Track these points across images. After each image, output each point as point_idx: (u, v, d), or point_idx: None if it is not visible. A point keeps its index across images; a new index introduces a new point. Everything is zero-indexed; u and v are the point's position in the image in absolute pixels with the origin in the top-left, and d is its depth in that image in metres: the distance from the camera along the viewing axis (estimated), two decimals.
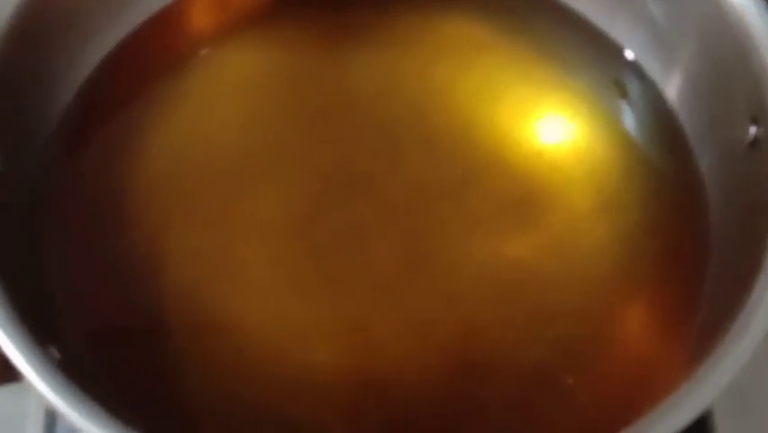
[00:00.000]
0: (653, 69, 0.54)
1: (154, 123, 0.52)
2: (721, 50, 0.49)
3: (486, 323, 0.48)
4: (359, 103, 0.54)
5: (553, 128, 0.54)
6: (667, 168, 0.52)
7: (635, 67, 0.54)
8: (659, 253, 0.50)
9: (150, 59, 0.55)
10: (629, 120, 0.54)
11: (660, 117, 0.53)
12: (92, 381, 0.40)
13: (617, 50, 0.55)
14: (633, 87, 0.54)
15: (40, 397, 0.39)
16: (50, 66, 0.51)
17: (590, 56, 0.55)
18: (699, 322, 0.47)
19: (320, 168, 0.52)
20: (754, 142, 0.46)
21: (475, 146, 0.52)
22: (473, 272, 0.49)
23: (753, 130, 0.46)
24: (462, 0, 0.57)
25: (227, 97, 0.54)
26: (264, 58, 0.56)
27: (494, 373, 0.47)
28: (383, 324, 0.48)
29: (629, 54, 0.55)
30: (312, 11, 0.56)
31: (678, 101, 0.53)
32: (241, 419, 0.46)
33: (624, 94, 0.54)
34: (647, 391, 0.45)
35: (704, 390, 0.39)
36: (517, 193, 0.51)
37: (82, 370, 0.41)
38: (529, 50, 0.55)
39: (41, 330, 0.40)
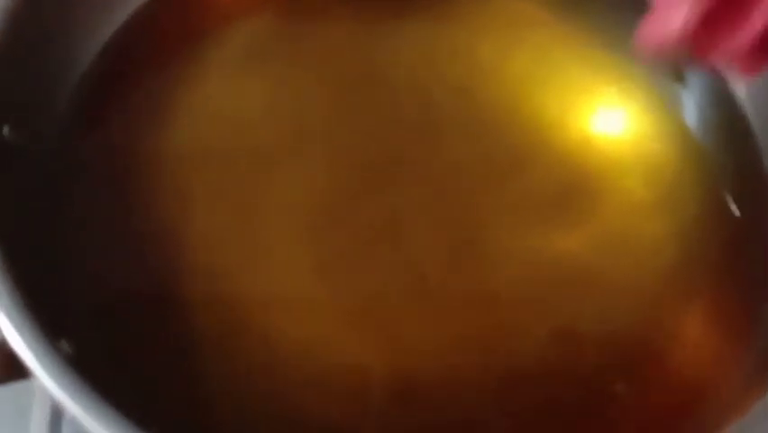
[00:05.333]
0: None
1: (177, 93, 0.50)
2: None
3: (529, 324, 0.45)
4: (397, 79, 0.51)
5: (605, 114, 0.51)
6: (729, 162, 0.49)
7: None
8: (718, 251, 0.47)
9: (172, 26, 0.52)
10: (690, 111, 0.51)
11: (725, 111, 0.50)
12: (104, 376, 0.38)
13: None
14: (697, 77, 0.51)
15: (45, 392, 0.36)
16: (68, 32, 0.48)
17: None
18: (762, 328, 0.44)
19: (353, 147, 0.49)
20: None
21: (522, 130, 0.50)
22: (517, 267, 0.46)
23: None
24: None
25: (255, 70, 0.51)
26: (295, 29, 0.52)
27: (535, 379, 0.44)
28: (416, 320, 0.45)
29: None
30: None
31: (747, 96, 0.50)
32: (263, 417, 0.43)
33: (685, 84, 0.51)
34: (700, 401, 0.43)
35: None
36: (565, 182, 0.48)
37: (94, 364, 0.38)
38: (585, 29, 0.52)
39: (52, 322, 0.38)
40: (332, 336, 0.45)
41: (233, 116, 0.50)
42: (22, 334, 0.36)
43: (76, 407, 0.35)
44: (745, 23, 0.34)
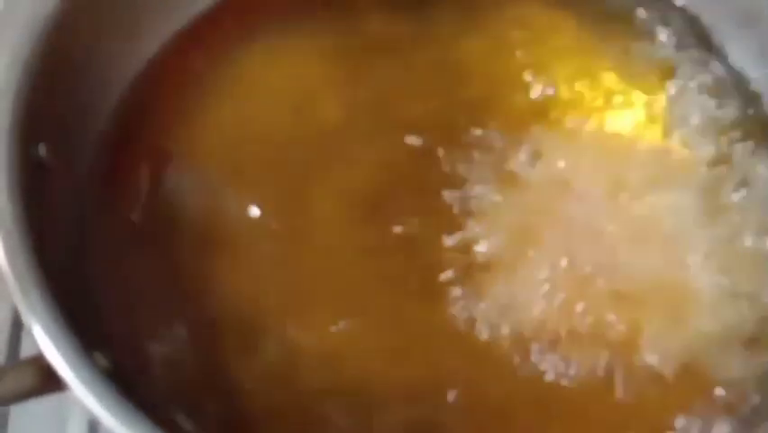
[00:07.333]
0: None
1: (212, 115, 0.50)
2: None
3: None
4: (439, 87, 0.51)
5: None
6: None
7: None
8: None
9: (206, 51, 0.52)
10: None
11: None
12: (139, 389, 0.39)
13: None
14: None
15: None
16: (106, 53, 0.49)
17: None
18: None
19: (391, 163, 0.49)
20: None
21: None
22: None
23: None
24: None
25: (289, 85, 0.51)
26: (329, 43, 0.52)
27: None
28: (438, 338, 0.45)
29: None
30: None
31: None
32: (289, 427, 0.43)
33: None
34: None
35: None
36: None
37: (129, 377, 0.39)
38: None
39: (87, 336, 0.38)
40: (352, 352, 0.45)
41: (267, 136, 0.50)
42: (58, 347, 0.37)
43: (111, 419, 0.36)
44: None
